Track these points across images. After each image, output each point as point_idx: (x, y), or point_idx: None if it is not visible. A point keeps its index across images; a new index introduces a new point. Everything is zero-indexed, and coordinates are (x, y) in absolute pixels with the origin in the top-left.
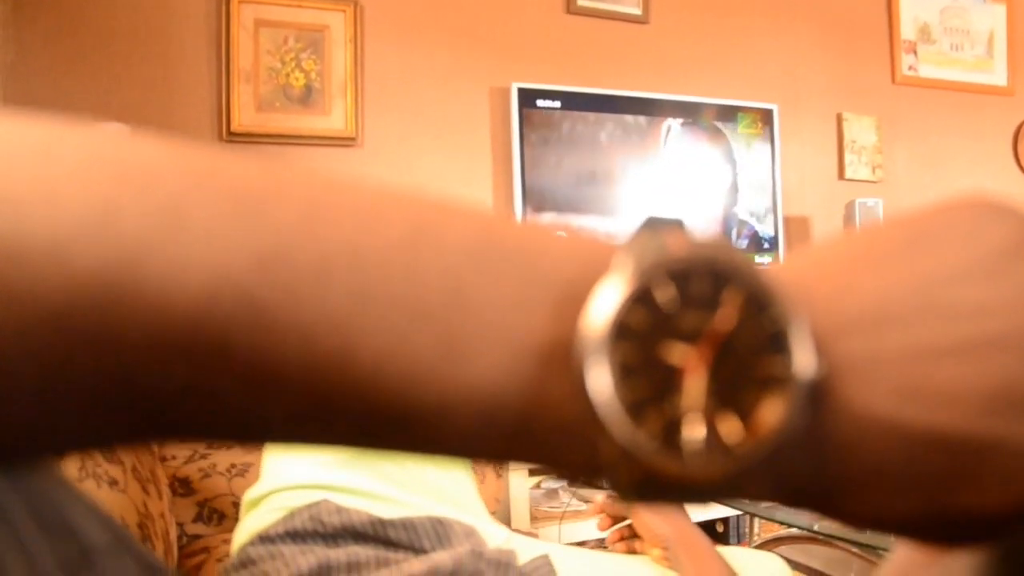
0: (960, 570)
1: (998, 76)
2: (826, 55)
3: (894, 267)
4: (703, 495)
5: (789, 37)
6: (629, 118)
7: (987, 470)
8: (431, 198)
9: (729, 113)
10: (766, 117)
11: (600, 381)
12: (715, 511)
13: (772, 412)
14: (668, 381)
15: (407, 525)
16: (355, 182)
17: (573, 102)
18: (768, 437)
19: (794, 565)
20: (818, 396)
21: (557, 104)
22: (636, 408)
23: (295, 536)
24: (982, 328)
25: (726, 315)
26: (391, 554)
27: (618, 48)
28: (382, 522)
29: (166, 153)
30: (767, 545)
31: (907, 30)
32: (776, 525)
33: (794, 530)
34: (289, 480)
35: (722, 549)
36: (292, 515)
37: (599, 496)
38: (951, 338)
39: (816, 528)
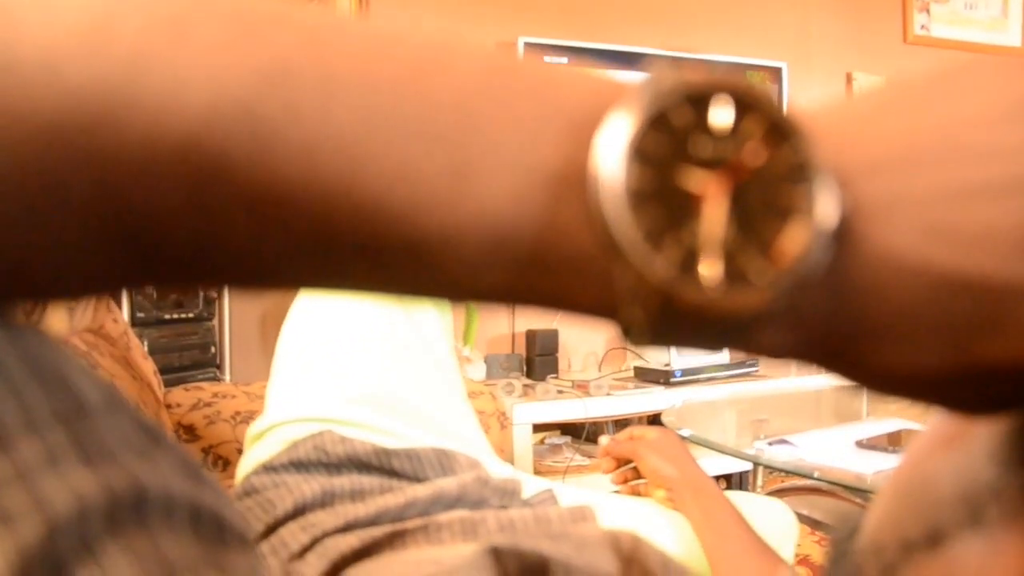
0: (984, 447)
1: (1012, 36)
2: (836, 13)
3: (923, 111)
4: (720, 331)
5: None
6: (637, 74)
7: (1016, 317)
8: (440, 34)
9: (737, 71)
10: (775, 75)
11: (615, 205)
12: (716, 465)
13: (793, 243)
14: (686, 209)
15: (411, 456)
16: (363, 20)
17: (580, 57)
18: (789, 268)
19: (798, 517)
20: (841, 234)
21: (564, 59)
22: (653, 236)
23: (299, 466)
24: (1014, 169)
25: (747, 143)
26: (395, 483)
27: (627, 4)
28: (386, 452)
29: None
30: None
31: None
32: (778, 479)
33: (797, 481)
34: (292, 413)
35: (727, 494)
36: (295, 446)
37: (603, 439)
38: (981, 179)
39: (816, 475)
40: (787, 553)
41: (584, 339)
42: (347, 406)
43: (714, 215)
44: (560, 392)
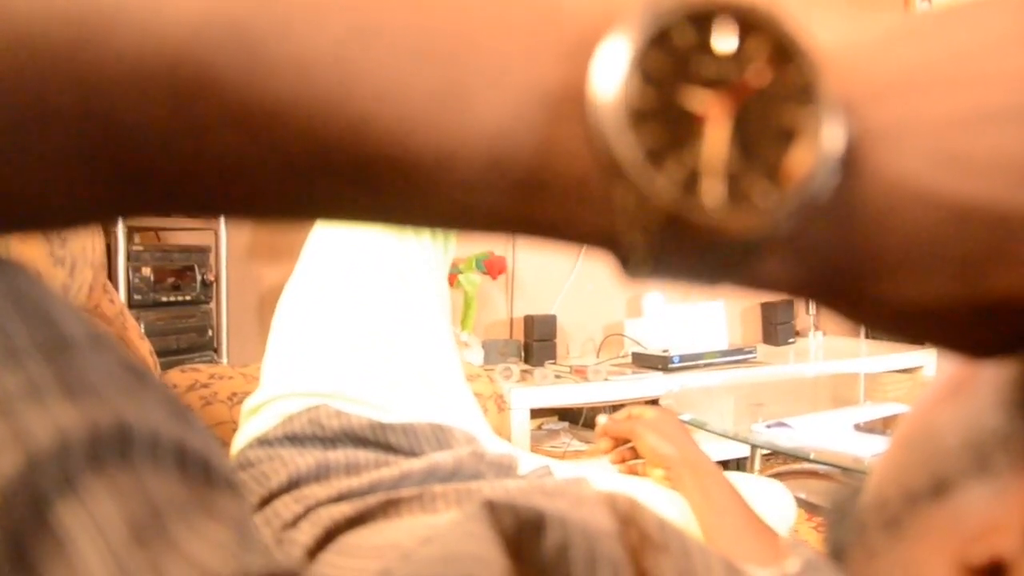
0: (990, 395)
1: None
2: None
3: (932, 38)
4: (721, 258)
5: None
6: None
7: None
8: None
9: None
10: None
11: (616, 124)
12: (713, 450)
13: (798, 165)
14: (688, 130)
15: (407, 430)
16: None
17: None
18: (794, 191)
19: (795, 501)
20: (848, 160)
21: None
22: (654, 156)
23: (294, 439)
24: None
25: (751, 64)
26: (390, 457)
27: None
28: (382, 426)
29: None
30: None
31: None
32: (775, 464)
33: (794, 466)
34: (288, 388)
35: (725, 474)
36: (290, 419)
37: (601, 418)
38: (991, 105)
39: (813, 457)
40: (784, 534)
41: (582, 325)
42: (343, 381)
43: (717, 136)
44: (558, 377)
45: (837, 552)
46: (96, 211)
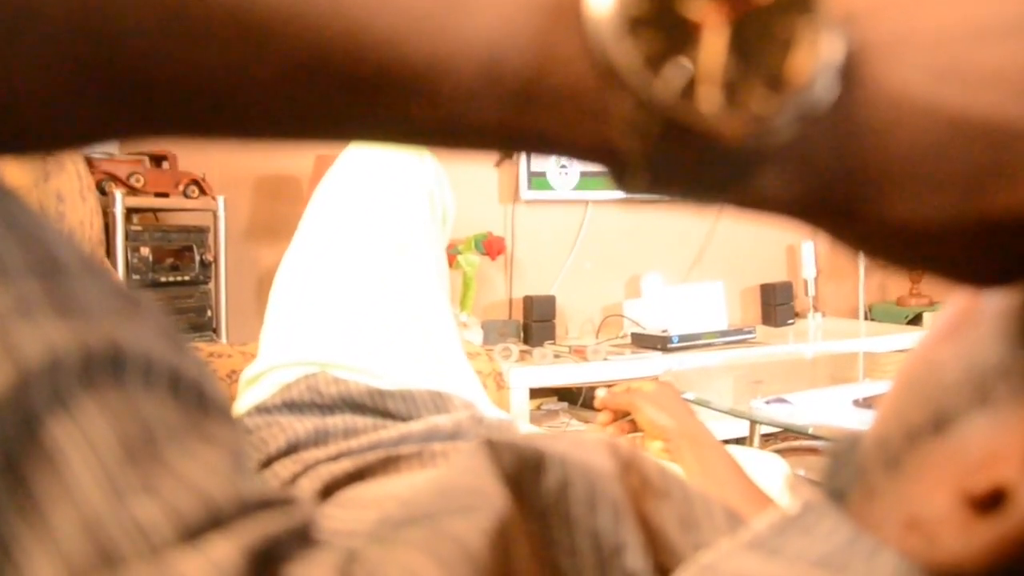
0: (991, 329)
1: None
2: None
3: None
4: (719, 168)
5: None
6: None
7: None
8: None
9: None
10: None
11: (613, 30)
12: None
13: (797, 73)
14: (686, 37)
15: (406, 396)
16: None
17: None
18: (793, 98)
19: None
20: (847, 72)
21: None
22: (652, 62)
23: (292, 407)
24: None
25: None
26: (389, 423)
27: None
28: (380, 393)
29: None
30: None
31: None
32: (775, 443)
33: (793, 443)
34: (286, 357)
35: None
36: (288, 387)
37: (600, 391)
38: (992, 18)
39: (811, 431)
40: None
41: (581, 306)
42: (341, 349)
43: (714, 43)
44: (557, 357)
45: (836, 498)
46: (88, 127)
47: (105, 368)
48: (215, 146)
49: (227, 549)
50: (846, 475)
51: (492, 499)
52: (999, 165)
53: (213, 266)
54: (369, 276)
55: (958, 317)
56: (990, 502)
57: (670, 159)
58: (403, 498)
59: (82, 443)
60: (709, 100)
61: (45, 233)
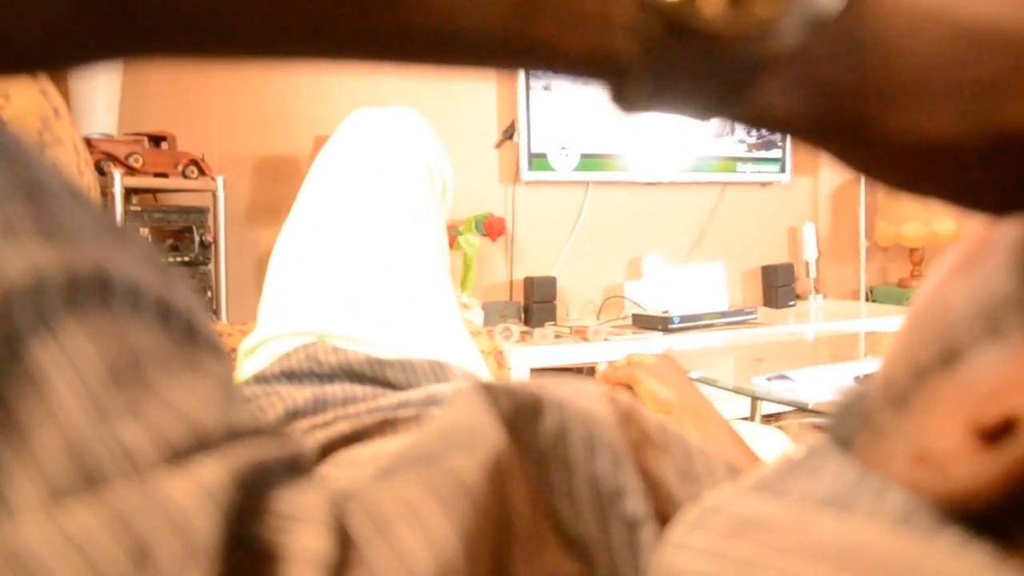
0: (1002, 260)
1: None
2: None
3: None
4: (723, 75)
5: None
6: None
7: None
8: None
9: None
10: None
11: None
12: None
13: None
14: None
15: (405, 366)
16: None
17: None
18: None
19: None
20: None
21: None
22: None
23: (291, 376)
24: None
25: None
26: (389, 392)
27: None
28: (379, 362)
29: None
30: None
31: None
32: (775, 422)
33: (795, 420)
34: (284, 328)
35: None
36: (287, 356)
37: (601, 365)
38: None
39: (812, 407)
40: None
41: (581, 287)
42: (340, 320)
43: None
44: (558, 337)
45: (842, 444)
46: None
47: (91, 292)
48: (206, 65)
49: (215, 470)
50: (852, 423)
51: (490, 439)
52: (1013, 78)
53: (213, 247)
54: (368, 247)
55: (966, 254)
56: (1001, 432)
57: (671, 64)
58: (399, 447)
59: (66, 365)
60: (712, 1)
61: (30, 158)
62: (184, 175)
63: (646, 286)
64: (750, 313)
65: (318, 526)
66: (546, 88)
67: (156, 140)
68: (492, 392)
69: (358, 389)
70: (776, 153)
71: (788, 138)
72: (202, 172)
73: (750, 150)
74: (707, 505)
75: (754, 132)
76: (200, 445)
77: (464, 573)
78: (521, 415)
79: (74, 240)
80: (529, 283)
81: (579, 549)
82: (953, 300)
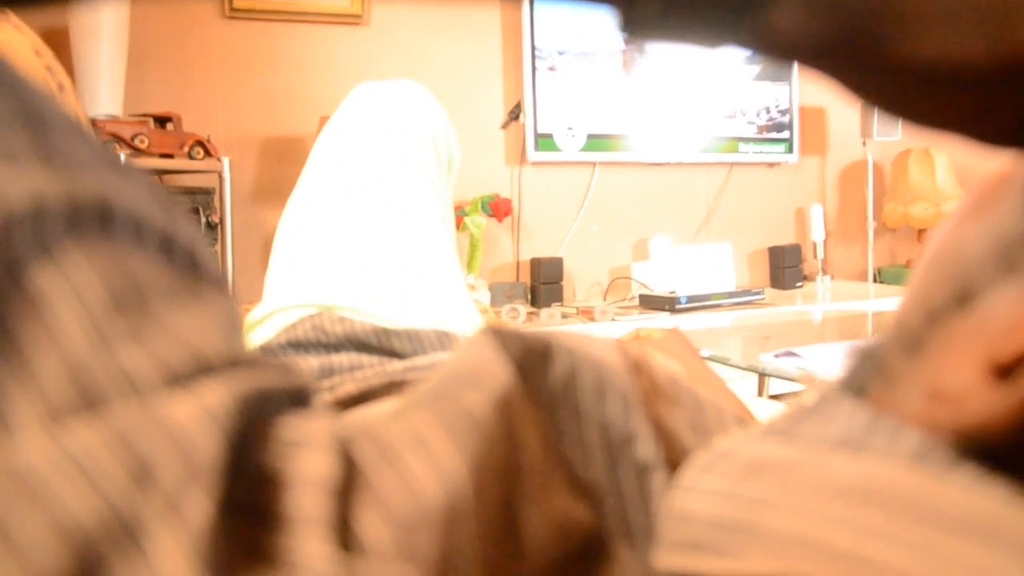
0: (1018, 199)
1: None
2: None
3: None
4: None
5: None
6: None
7: None
8: None
9: None
10: None
11: None
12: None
13: None
14: None
15: (411, 335)
16: None
17: None
18: None
19: None
20: None
21: None
22: None
23: (297, 346)
24: None
25: None
26: (396, 361)
27: None
28: (386, 332)
29: None
30: None
31: None
32: (783, 400)
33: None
34: (291, 300)
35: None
36: (294, 327)
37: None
38: None
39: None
40: None
41: (588, 268)
42: (345, 292)
43: None
44: (564, 317)
45: (855, 393)
46: None
47: (93, 220)
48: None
49: (219, 393)
50: (864, 373)
51: (499, 377)
52: None
53: (219, 228)
54: (373, 219)
55: (980, 196)
56: (1017, 367)
57: None
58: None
59: (67, 290)
60: None
61: (30, 89)
62: (190, 156)
63: (653, 267)
64: (757, 294)
65: (323, 451)
66: (551, 69)
67: (162, 121)
68: (501, 336)
69: (364, 358)
70: (784, 134)
71: (797, 66)
72: (208, 153)
73: (760, 132)
74: (719, 449)
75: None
76: (203, 371)
77: (472, 503)
78: (531, 359)
79: (75, 169)
80: (536, 264)
81: (589, 495)
82: (967, 241)
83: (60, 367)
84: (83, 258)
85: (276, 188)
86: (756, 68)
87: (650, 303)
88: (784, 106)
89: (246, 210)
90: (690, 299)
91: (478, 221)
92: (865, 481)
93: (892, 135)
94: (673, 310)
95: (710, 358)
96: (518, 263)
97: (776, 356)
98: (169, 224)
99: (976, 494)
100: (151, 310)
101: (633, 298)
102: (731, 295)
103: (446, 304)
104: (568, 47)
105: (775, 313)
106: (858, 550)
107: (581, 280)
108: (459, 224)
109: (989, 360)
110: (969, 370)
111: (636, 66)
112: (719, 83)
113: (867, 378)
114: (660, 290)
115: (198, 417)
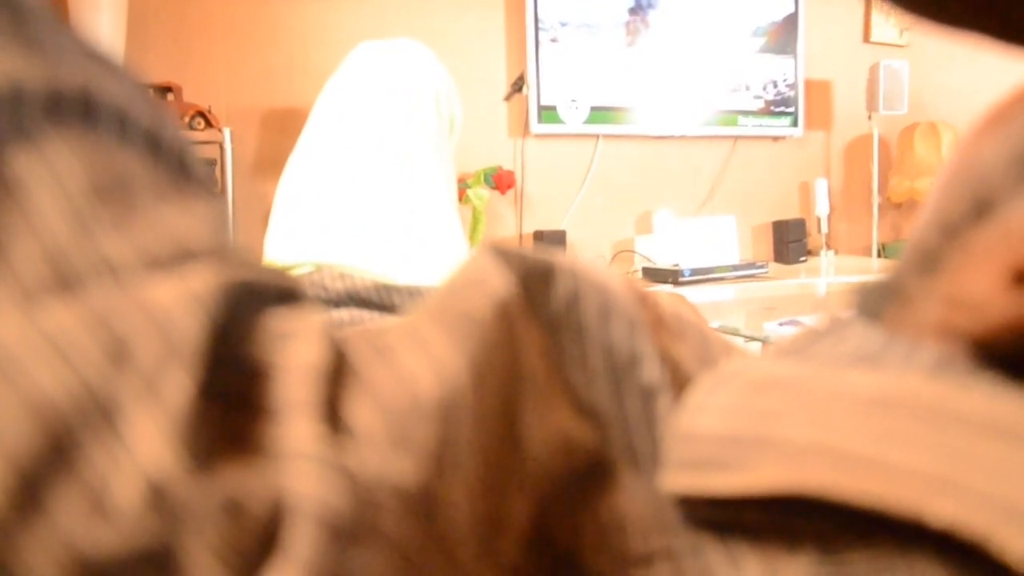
0: None
1: None
2: None
3: None
4: None
5: None
6: None
7: None
8: None
9: None
10: None
11: None
12: None
13: None
14: None
15: (413, 292)
16: None
17: None
18: None
19: None
20: None
21: None
22: None
23: None
24: None
25: None
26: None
27: None
28: (387, 288)
29: None
30: None
31: None
32: None
33: None
34: (291, 258)
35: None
36: None
37: None
38: None
39: None
40: None
41: (591, 242)
42: (346, 249)
43: None
44: None
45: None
46: None
47: (75, 110)
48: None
49: (206, 278)
50: (879, 298)
51: (499, 286)
52: None
53: (220, 196)
54: (375, 179)
55: (995, 114)
56: None
57: None
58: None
59: (47, 176)
60: None
61: None
62: (190, 127)
63: (657, 240)
64: (761, 267)
65: (314, 342)
66: (554, 40)
67: (162, 91)
68: (503, 253)
69: (365, 314)
70: (790, 108)
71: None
72: (209, 124)
73: (766, 106)
74: (728, 370)
75: (769, 87)
76: (189, 259)
77: (471, 402)
78: (532, 277)
79: (57, 58)
80: (539, 237)
81: (592, 418)
82: (985, 155)
83: (37, 253)
84: (64, 146)
85: (277, 159)
86: (761, 40)
87: (653, 276)
88: (790, 79)
89: (247, 181)
90: (693, 272)
91: (481, 193)
92: (883, 391)
93: (898, 109)
94: (676, 283)
95: (720, 329)
96: (521, 236)
97: (780, 325)
98: (155, 124)
99: (998, 399)
100: (135, 203)
101: (636, 271)
102: (735, 268)
103: (446, 262)
104: (571, 18)
105: (778, 286)
106: (877, 455)
107: (584, 253)
108: (462, 196)
109: (1009, 266)
110: (989, 278)
111: (640, 38)
112: (724, 56)
113: (881, 305)
114: (663, 263)
115: (182, 299)
